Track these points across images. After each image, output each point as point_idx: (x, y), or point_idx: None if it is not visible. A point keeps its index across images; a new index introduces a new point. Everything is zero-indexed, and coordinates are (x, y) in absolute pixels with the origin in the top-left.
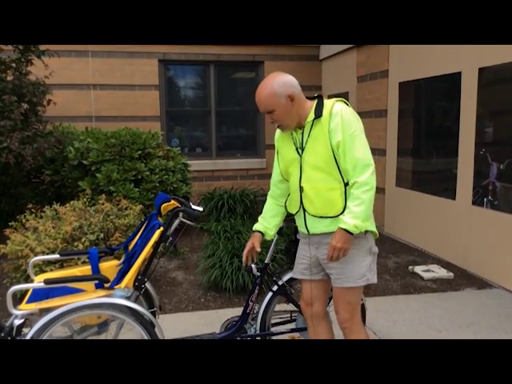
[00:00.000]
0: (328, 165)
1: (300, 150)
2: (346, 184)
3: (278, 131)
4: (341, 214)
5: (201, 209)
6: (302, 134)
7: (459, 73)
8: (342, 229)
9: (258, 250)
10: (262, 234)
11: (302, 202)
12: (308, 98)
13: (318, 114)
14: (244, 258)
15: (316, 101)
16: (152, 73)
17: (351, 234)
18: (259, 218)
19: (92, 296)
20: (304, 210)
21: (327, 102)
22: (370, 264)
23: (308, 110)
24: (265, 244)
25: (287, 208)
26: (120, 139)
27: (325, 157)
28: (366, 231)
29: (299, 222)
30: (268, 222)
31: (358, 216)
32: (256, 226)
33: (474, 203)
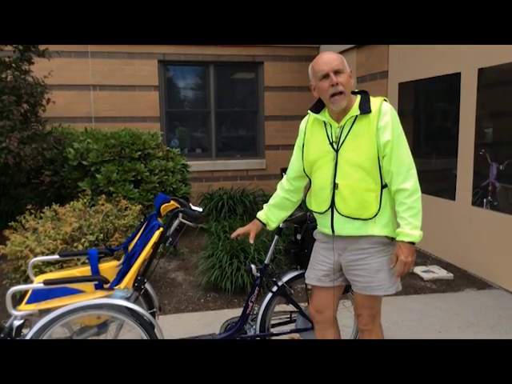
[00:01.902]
0: (370, 164)
1: (335, 145)
2: (383, 186)
3: (304, 121)
4: (373, 217)
5: (200, 209)
6: (342, 128)
7: (459, 73)
8: (407, 242)
9: (251, 241)
10: (264, 224)
11: (333, 200)
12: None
13: (366, 109)
14: (234, 234)
15: (360, 96)
16: (152, 73)
17: (414, 244)
18: (264, 206)
19: (92, 297)
20: (333, 209)
21: (374, 99)
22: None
23: (352, 103)
24: (264, 245)
25: (309, 206)
26: (120, 140)
27: (369, 155)
28: (393, 238)
29: (323, 222)
30: (273, 215)
31: (417, 226)
32: (259, 215)
33: (473, 204)
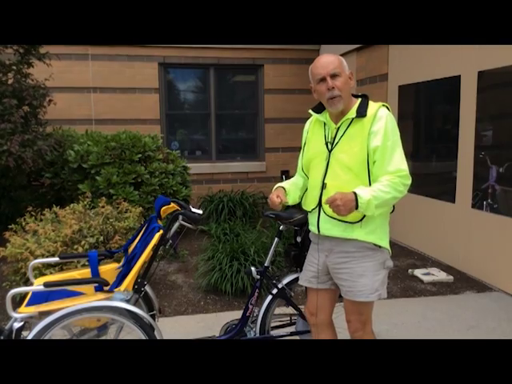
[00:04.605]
0: (359, 167)
1: (330, 145)
2: None
3: (309, 121)
4: (359, 221)
5: (200, 212)
6: (338, 129)
7: (459, 76)
8: (355, 194)
9: (284, 199)
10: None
11: (321, 200)
12: (353, 95)
13: (362, 113)
14: (275, 198)
15: (360, 99)
16: (152, 76)
17: (356, 207)
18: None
19: (92, 299)
20: (320, 209)
21: (372, 104)
22: (383, 278)
23: (352, 105)
24: (264, 247)
25: (302, 204)
26: (120, 142)
27: (359, 158)
28: (380, 246)
29: (312, 220)
30: (292, 190)
31: (377, 197)
32: (281, 184)
33: (473, 206)
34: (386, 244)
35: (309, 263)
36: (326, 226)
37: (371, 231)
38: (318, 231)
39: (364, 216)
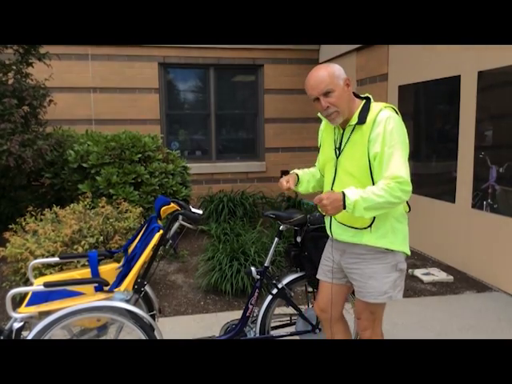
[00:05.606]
0: (361, 173)
1: (337, 151)
2: None
3: (323, 123)
4: (368, 227)
5: (200, 212)
6: (342, 135)
7: (458, 76)
8: (343, 193)
9: (292, 186)
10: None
11: None
12: (355, 95)
13: (362, 119)
14: (284, 182)
15: (363, 102)
16: (152, 76)
17: (344, 206)
18: (299, 170)
19: (91, 299)
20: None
21: (374, 107)
22: (394, 281)
23: (354, 110)
24: (264, 247)
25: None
26: (120, 142)
27: (361, 166)
28: (393, 250)
29: (326, 223)
30: (306, 178)
31: (366, 200)
32: (296, 171)
33: (473, 206)
34: (398, 247)
35: (325, 258)
36: (337, 230)
37: (382, 236)
38: (332, 235)
39: (373, 221)
